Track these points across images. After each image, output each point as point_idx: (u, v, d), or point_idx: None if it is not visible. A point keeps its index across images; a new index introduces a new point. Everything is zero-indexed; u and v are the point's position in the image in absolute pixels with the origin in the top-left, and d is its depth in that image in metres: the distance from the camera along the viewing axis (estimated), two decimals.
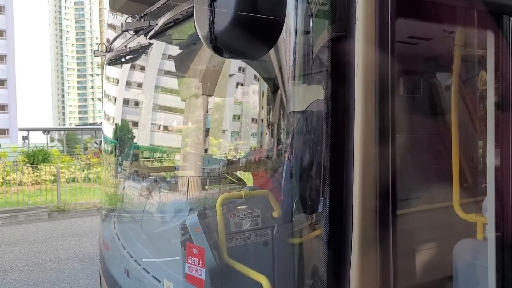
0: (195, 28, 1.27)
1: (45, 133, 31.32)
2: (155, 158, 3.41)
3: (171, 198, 2.93)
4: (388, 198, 1.39)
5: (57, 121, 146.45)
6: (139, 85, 3.45)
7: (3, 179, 13.41)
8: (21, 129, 35.01)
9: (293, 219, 1.76)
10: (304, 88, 1.59)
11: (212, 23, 1.21)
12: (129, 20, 2.38)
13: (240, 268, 1.89)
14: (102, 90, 4.44)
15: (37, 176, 14.22)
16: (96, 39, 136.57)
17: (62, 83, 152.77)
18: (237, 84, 2.89)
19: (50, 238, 8.71)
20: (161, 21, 2.11)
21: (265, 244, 2.04)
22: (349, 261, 1.34)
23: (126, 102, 3.64)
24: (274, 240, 2.04)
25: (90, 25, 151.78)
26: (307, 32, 1.49)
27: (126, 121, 3.64)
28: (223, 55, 1.25)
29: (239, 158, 2.93)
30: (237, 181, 2.75)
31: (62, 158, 20.07)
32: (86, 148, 26.38)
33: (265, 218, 2.08)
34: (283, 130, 2.47)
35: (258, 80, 2.76)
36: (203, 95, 2.89)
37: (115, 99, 3.91)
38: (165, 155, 3.42)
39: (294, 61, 1.52)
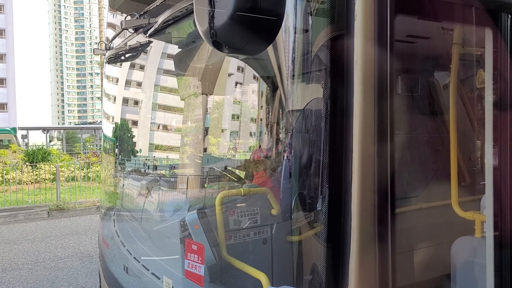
0: (195, 24, 1.28)
1: (45, 132, 31.33)
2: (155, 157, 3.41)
3: (171, 196, 2.93)
4: (387, 196, 1.40)
5: (56, 120, 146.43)
6: (139, 84, 3.46)
7: (2, 177, 13.41)
8: (21, 128, 34.97)
9: (292, 216, 1.76)
10: (303, 87, 1.59)
11: (211, 18, 1.22)
12: (129, 18, 2.39)
13: (239, 265, 1.90)
14: (102, 89, 4.44)
15: (36, 175, 14.22)
16: (96, 38, 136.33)
17: (62, 82, 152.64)
18: (236, 83, 2.90)
19: (50, 237, 8.71)
20: (160, 19, 2.11)
21: (264, 242, 2.05)
22: (347, 258, 1.35)
23: (125, 101, 3.65)
24: (273, 237, 2.05)
25: (90, 24, 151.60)
26: (306, 30, 1.49)
27: (125, 120, 3.64)
28: (223, 50, 1.26)
29: (238, 157, 2.94)
30: (236, 180, 2.76)
31: (62, 157, 20.06)
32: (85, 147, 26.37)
33: (264, 216, 2.09)
34: (282, 128, 2.47)
35: (257, 79, 2.76)
36: (202, 94, 2.89)
37: (115, 98, 3.92)
38: (165, 154, 3.42)
39: (293, 59, 1.53)
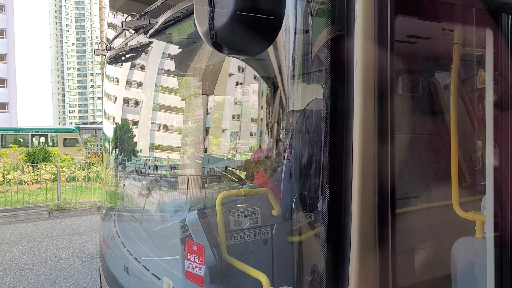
0: (195, 25, 1.28)
1: None
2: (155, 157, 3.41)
3: (171, 196, 2.93)
4: (387, 197, 1.40)
5: (57, 120, 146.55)
6: (139, 84, 3.46)
7: (3, 178, 13.42)
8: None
9: (293, 217, 1.76)
10: (303, 87, 1.59)
11: (212, 19, 1.22)
12: (130, 18, 2.39)
13: (240, 266, 1.90)
14: (102, 89, 4.45)
15: (37, 175, 14.24)
16: (97, 38, 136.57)
17: (63, 82, 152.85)
18: (237, 83, 2.90)
19: (50, 237, 8.72)
20: (161, 19, 2.12)
21: (265, 242, 2.05)
22: (348, 258, 1.35)
23: (126, 101, 3.65)
24: (273, 238, 2.05)
25: (91, 25, 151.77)
26: (306, 30, 1.49)
27: (126, 120, 3.65)
28: (223, 51, 1.26)
29: (239, 157, 2.94)
30: (236, 180, 2.75)
31: (62, 157, 20.08)
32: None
33: (264, 216, 2.09)
34: (283, 129, 2.47)
35: (257, 79, 2.76)
36: (202, 94, 2.89)
37: (115, 98, 3.92)
38: (166, 154, 3.42)
39: (293, 59, 1.53)
